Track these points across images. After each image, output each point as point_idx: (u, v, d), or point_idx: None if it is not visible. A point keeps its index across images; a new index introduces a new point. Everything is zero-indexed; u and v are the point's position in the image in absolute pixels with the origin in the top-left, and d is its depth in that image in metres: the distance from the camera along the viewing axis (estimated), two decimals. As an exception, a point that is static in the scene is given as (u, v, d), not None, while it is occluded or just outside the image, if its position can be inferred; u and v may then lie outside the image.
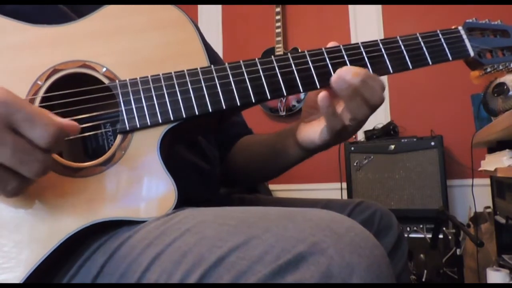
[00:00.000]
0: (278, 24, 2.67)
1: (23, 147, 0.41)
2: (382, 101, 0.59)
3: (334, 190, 2.43)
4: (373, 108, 0.59)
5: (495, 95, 1.35)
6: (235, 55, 2.84)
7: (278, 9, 2.70)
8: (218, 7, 2.97)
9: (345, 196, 2.28)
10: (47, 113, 0.43)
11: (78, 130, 0.45)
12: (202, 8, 3.02)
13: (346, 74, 0.57)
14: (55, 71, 0.53)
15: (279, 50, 2.63)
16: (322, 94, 0.58)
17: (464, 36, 0.67)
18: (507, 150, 1.35)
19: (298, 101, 2.60)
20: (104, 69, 0.55)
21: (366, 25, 2.53)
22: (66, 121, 0.44)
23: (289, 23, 2.76)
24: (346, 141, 0.64)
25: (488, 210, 1.82)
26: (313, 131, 0.65)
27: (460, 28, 0.68)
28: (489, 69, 0.70)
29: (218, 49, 2.91)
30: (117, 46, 0.56)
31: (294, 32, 2.74)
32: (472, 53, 0.67)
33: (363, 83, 0.57)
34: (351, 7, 2.60)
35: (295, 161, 0.73)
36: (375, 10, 2.52)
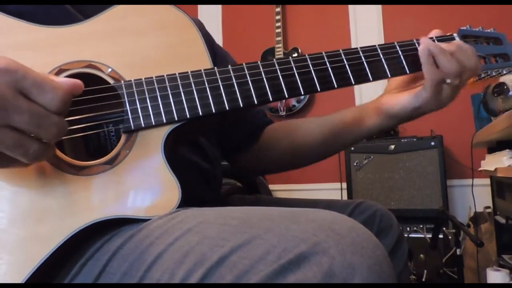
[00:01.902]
0: (278, 24, 2.67)
1: (38, 111, 0.42)
2: (477, 65, 0.65)
3: (334, 190, 2.43)
4: (471, 70, 0.64)
5: (495, 95, 1.35)
6: (235, 55, 2.82)
7: (278, 9, 2.70)
8: (218, 7, 2.97)
9: (345, 196, 2.29)
10: (53, 77, 0.44)
11: (82, 87, 0.47)
12: (202, 8, 3.01)
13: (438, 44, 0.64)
14: (60, 71, 0.54)
15: (279, 50, 2.63)
16: (422, 46, 0.64)
17: None
18: (507, 150, 1.35)
19: (298, 101, 2.60)
20: (109, 70, 0.55)
21: (366, 25, 2.53)
22: (70, 81, 0.45)
23: (289, 23, 2.76)
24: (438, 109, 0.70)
25: (488, 210, 1.83)
26: (404, 97, 0.70)
27: (455, 35, 0.70)
28: (482, 75, 0.72)
29: (219, 49, 2.90)
30: (122, 47, 0.56)
31: (294, 32, 2.74)
32: None
33: (457, 48, 0.63)
34: (351, 7, 2.60)
35: (372, 131, 0.75)
36: (375, 10, 2.52)
